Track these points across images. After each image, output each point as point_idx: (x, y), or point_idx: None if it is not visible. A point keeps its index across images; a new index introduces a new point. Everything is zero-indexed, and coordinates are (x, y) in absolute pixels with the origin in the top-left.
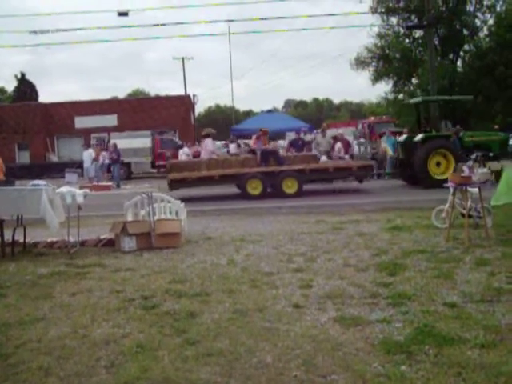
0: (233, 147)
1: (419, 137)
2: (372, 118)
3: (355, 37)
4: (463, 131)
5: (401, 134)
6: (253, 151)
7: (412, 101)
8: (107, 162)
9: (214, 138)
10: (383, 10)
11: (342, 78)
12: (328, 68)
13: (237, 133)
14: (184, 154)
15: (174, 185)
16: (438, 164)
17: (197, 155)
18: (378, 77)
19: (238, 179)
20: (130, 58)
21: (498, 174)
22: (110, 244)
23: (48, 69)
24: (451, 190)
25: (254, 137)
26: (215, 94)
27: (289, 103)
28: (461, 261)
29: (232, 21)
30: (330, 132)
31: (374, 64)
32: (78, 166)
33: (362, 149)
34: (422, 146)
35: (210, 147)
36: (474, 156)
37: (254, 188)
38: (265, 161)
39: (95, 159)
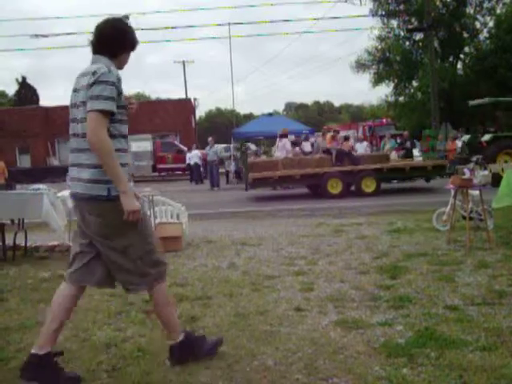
0: (307, 146)
1: (487, 137)
2: (372, 121)
3: (356, 40)
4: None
5: (401, 136)
6: (327, 151)
7: (475, 102)
8: None
9: (216, 141)
10: (383, 13)
11: (343, 81)
12: (329, 71)
13: (238, 136)
14: (195, 156)
15: (255, 184)
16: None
17: (205, 158)
18: (378, 79)
19: (318, 178)
20: (130, 61)
21: (496, 177)
22: None
23: (49, 72)
24: (452, 192)
25: (328, 135)
26: (216, 98)
27: (289, 106)
28: (462, 263)
29: (233, 24)
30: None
31: (374, 67)
32: None
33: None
34: (490, 146)
35: (287, 147)
36: (475, 158)
37: (334, 187)
38: (340, 160)
39: None
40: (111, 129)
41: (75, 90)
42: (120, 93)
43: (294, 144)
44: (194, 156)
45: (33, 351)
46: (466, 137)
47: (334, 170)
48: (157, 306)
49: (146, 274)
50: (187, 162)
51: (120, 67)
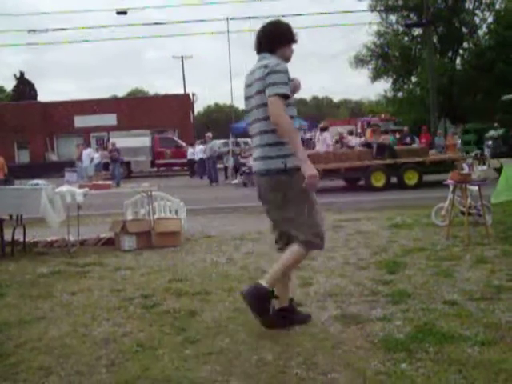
0: (353, 140)
1: None
2: (371, 117)
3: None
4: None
5: (401, 132)
6: (368, 144)
7: (510, 97)
8: (97, 160)
9: (214, 137)
10: (382, 8)
11: (342, 77)
12: (327, 66)
13: (236, 131)
14: (201, 151)
15: None
16: None
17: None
18: (377, 75)
19: (362, 171)
20: (129, 56)
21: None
22: (110, 243)
23: (47, 68)
24: (451, 187)
25: (368, 130)
26: (214, 93)
27: None
28: (461, 258)
29: (231, 19)
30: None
31: (373, 62)
32: (71, 165)
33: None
34: None
35: (328, 141)
36: (473, 154)
37: (378, 180)
38: (380, 154)
39: (78, 159)
40: (282, 109)
41: (249, 86)
42: (289, 80)
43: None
44: (199, 151)
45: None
46: (499, 131)
47: (378, 164)
48: (285, 265)
49: (309, 243)
50: (189, 157)
51: (285, 60)
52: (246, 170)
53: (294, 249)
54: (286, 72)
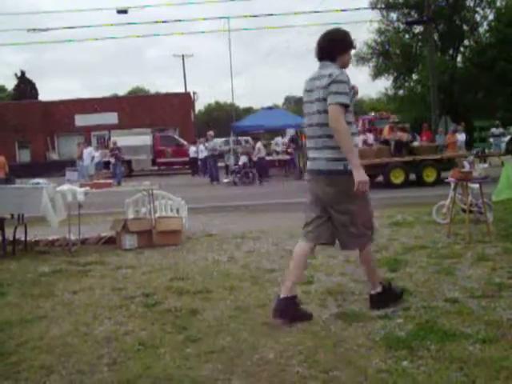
0: (370, 137)
1: None
2: (372, 114)
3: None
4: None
5: (403, 129)
6: (386, 142)
7: None
8: (97, 159)
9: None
10: (383, 6)
11: None
12: None
13: (237, 130)
14: (205, 149)
15: None
16: None
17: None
18: (377, 73)
19: (381, 168)
20: (129, 55)
21: None
22: (111, 242)
23: (47, 67)
24: (452, 185)
25: (386, 127)
26: (215, 91)
27: (289, 100)
28: (462, 256)
29: (232, 18)
30: None
31: (373, 60)
32: (72, 164)
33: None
34: None
35: None
36: (474, 151)
37: (397, 177)
38: (398, 151)
39: (79, 158)
40: (342, 117)
41: (309, 91)
42: (350, 89)
43: (292, 140)
44: (203, 150)
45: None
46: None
47: (397, 161)
48: (365, 263)
49: (363, 236)
50: (191, 155)
51: (343, 66)
52: (236, 168)
53: (362, 257)
54: (347, 82)
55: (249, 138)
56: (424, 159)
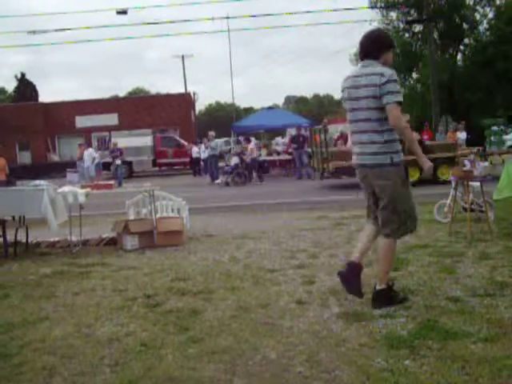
0: None
1: None
2: None
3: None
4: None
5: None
6: (400, 140)
7: None
8: (96, 160)
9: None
10: (382, 5)
11: (343, 74)
12: (328, 64)
13: (237, 130)
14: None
15: (338, 172)
16: None
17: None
18: None
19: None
20: (129, 56)
21: None
22: (113, 243)
23: (48, 68)
24: (453, 184)
25: None
26: (216, 92)
27: (289, 99)
28: (463, 255)
29: (232, 18)
30: (332, 128)
31: None
32: (73, 165)
33: None
34: None
35: None
36: (475, 150)
37: (412, 175)
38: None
39: (79, 158)
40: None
41: (354, 87)
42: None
43: (292, 140)
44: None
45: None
46: None
47: (412, 159)
48: (386, 260)
49: (404, 224)
50: (194, 155)
51: (386, 64)
52: (228, 169)
53: (383, 243)
54: (397, 81)
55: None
56: (438, 157)
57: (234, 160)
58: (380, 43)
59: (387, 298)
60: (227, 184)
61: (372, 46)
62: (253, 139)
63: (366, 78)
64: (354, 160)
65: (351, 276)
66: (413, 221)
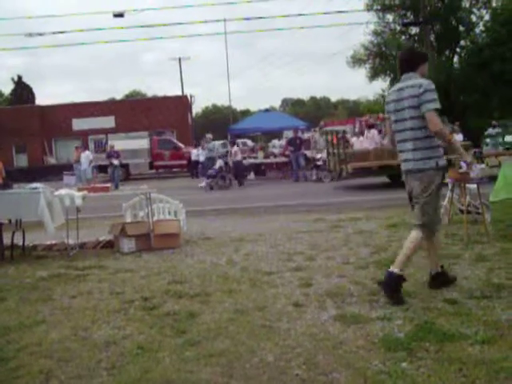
0: None
1: None
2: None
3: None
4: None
5: None
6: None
7: None
8: (94, 163)
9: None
10: (379, 8)
11: (339, 76)
12: (325, 66)
13: (234, 132)
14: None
15: (356, 173)
16: None
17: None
18: (374, 74)
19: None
20: (126, 59)
21: None
22: (109, 245)
23: (45, 71)
24: (449, 186)
25: None
26: (212, 94)
27: (286, 102)
28: (460, 257)
29: (228, 20)
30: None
31: (370, 61)
32: (69, 168)
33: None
34: None
35: (376, 138)
36: (472, 152)
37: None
38: None
39: (76, 161)
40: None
41: (398, 100)
42: None
43: (289, 142)
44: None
45: (392, 269)
46: None
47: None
48: (409, 251)
49: (431, 224)
50: (193, 158)
51: (423, 75)
52: (212, 173)
53: (412, 236)
54: (435, 89)
55: (246, 141)
56: (451, 158)
57: (219, 163)
58: (416, 57)
59: (396, 284)
60: (211, 188)
61: (409, 61)
62: (239, 141)
63: (407, 91)
64: (403, 167)
65: (436, 283)
66: (439, 221)
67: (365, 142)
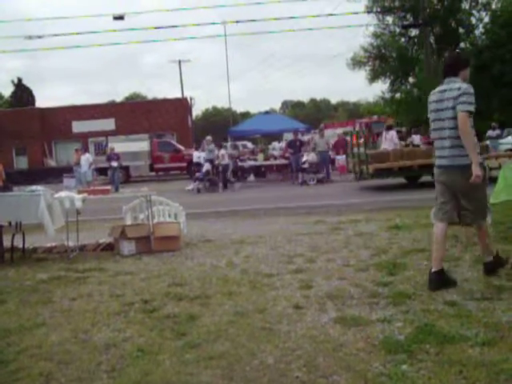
0: (417, 138)
1: None
2: (369, 118)
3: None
4: None
5: (400, 133)
6: (433, 142)
7: None
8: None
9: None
10: (379, 10)
11: (339, 78)
12: (325, 68)
13: (234, 135)
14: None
15: (376, 174)
16: None
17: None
18: (374, 76)
19: (431, 168)
20: (126, 61)
21: None
22: (110, 248)
23: (44, 73)
24: None
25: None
26: (212, 96)
27: (286, 104)
28: (460, 259)
29: (228, 23)
30: (329, 132)
31: (370, 63)
32: (69, 171)
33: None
34: None
35: (395, 139)
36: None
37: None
38: None
39: (76, 164)
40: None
41: (440, 101)
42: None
43: (289, 144)
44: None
45: (433, 270)
46: None
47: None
48: (480, 238)
49: (480, 214)
50: (194, 160)
51: (464, 79)
52: (199, 176)
53: (480, 231)
54: (473, 94)
55: (246, 143)
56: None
57: (206, 166)
58: (458, 63)
59: (495, 267)
60: (199, 191)
61: (452, 66)
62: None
63: (448, 93)
64: (437, 162)
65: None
66: (488, 210)
67: (384, 143)
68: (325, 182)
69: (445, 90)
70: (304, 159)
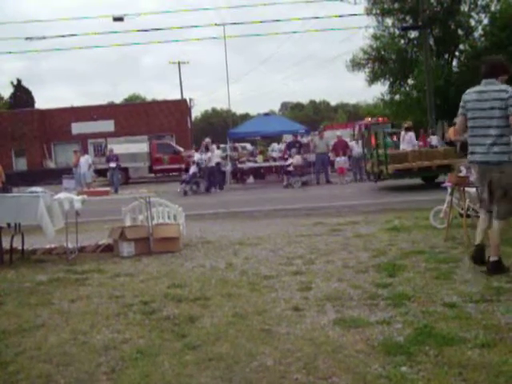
0: (434, 139)
1: None
2: (369, 120)
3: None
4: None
5: (399, 134)
6: (451, 143)
7: None
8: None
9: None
10: (378, 12)
11: (339, 80)
12: (324, 70)
13: (234, 136)
14: (217, 156)
15: (396, 175)
16: None
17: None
18: (373, 78)
19: (448, 169)
20: (126, 62)
21: None
22: (109, 249)
23: (44, 75)
24: (449, 189)
25: (451, 129)
26: (212, 98)
27: (285, 106)
28: (460, 261)
29: (227, 24)
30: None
31: (369, 65)
32: (69, 172)
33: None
34: None
35: (413, 140)
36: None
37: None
38: (465, 151)
39: (75, 165)
40: None
41: (480, 100)
42: None
43: (289, 146)
44: (215, 156)
45: (492, 259)
46: None
47: (464, 161)
48: (494, 231)
49: (509, 212)
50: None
51: (502, 83)
52: (186, 178)
53: (495, 225)
54: None
55: (246, 145)
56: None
57: (193, 169)
58: (499, 68)
59: (500, 267)
60: (185, 193)
61: (493, 69)
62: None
63: (493, 94)
64: (476, 158)
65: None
66: None
67: (402, 144)
68: (318, 184)
69: (485, 91)
70: (289, 162)
